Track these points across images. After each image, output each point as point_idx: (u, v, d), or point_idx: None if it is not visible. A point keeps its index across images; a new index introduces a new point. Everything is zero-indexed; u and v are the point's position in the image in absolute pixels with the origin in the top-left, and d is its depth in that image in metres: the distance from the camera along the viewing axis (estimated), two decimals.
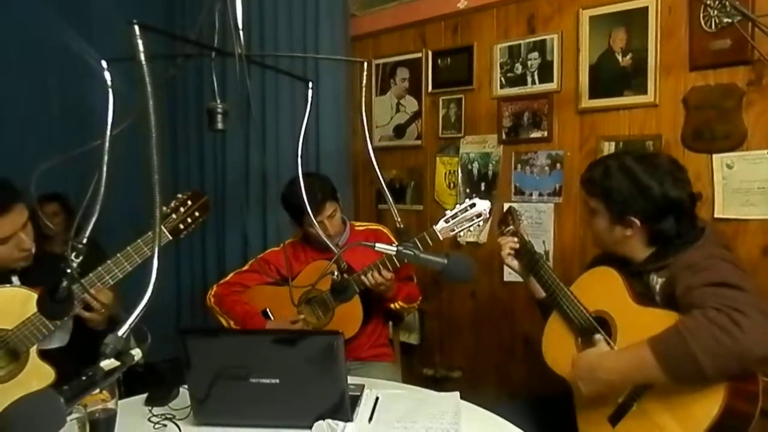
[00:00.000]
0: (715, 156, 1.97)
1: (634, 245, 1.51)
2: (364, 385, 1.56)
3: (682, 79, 2.03)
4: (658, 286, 1.43)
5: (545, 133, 2.39)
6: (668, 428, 1.29)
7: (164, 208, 1.66)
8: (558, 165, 2.37)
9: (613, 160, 1.53)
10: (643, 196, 1.43)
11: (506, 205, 2.45)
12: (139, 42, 0.91)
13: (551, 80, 2.36)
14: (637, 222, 1.46)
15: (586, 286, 1.60)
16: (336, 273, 1.53)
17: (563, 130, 2.36)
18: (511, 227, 1.81)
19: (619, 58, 2.17)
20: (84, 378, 0.79)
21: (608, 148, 2.20)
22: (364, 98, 1.45)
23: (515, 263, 1.77)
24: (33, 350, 1.54)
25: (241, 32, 1.13)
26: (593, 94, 2.24)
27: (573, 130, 2.33)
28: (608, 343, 1.43)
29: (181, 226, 1.70)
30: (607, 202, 1.49)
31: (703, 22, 1.96)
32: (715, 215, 1.96)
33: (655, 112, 2.10)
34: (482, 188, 2.60)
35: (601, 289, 1.53)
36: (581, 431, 1.50)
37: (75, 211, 2.64)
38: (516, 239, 1.77)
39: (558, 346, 1.59)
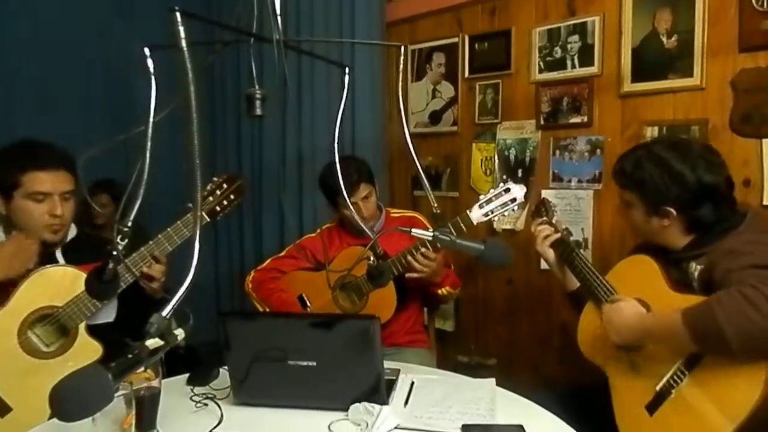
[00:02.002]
0: (765, 141, 1.89)
1: (672, 234, 1.48)
2: (399, 370, 1.57)
3: (731, 61, 1.96)
4: (696, 273, 1.41)
5: (585, 118, 2.33)
6: (708, 414, 1.27)
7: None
8: (598, 151, 2.32)
9: (642, 150, 1.49)
10: (676, 183, 1.40)
11: (543, 193, 2.43)
12: (181, 29, 0.92)
13: (592, 64, 2.30)
14: (673, 211, 1.43)
15: (622, 274, 1.57)
16: (372, 258, 1.54)
17: (604, 115, 2.30)
18: (545, 218, 1.79)
19: (664, 40, 2.10)
20: (130, 356, 0.81)
21: (651, 133, 2.14)
22: (400, 83, 1.44)
23: (550, 253, 1.75)
24: (82, 327, 1.61)
25: (279, 18, 1.14)
26: (636, 77, 2.18)
27: (614, 114, 2.27)
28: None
29: (218, 209, 1.75)
30: (641, 193, 1.46)
31: (754, 1, 1.88)
32: (764, 202, 1.89)
33: (701, 96, 2.03)
34: (519, 175, 2.56)
35: (637, 277, 1.51)
36: (618, 419, 1.48)
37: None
38: (552, 227, 1.75)
39: (593, 336, 1.57)
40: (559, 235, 1.74)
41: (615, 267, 1.61)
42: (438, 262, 1.96)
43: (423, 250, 1.91)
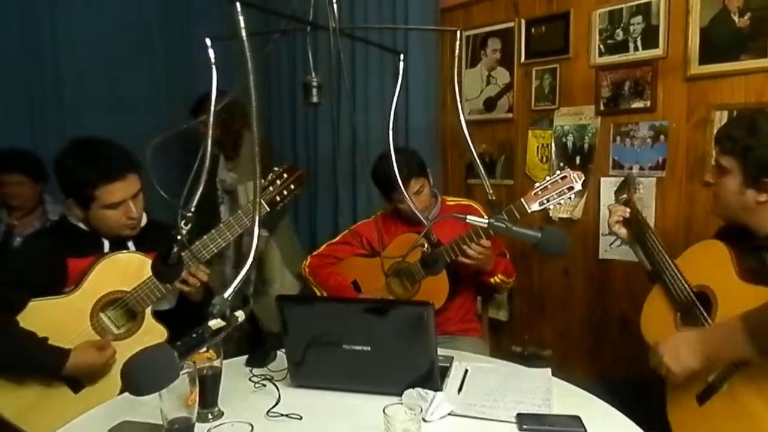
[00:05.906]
0: None
1: (764, 214, 1.39)
2: (453, 357, 1.57)
3: None
4: None
5: (648, 103, 2.24)
6: (757, 412, 1.24)
7: (262, 181, 1.74)
8: (661, 137, 2.22)
9: (762, 116, 1.40)
10: None
11: (601, 180, 2.36)
12: (241, 19, 0.94)
13: (656, 46, 2.20)
14: None
15: (692, 259, 1.52)
16: (426, 245, 1.54)
17: (668, 100, 2.20)
18: (625, 195, 1.72)
19: (736, 18, 1.99)
20: (194, 336, 0.85)
21: (720, 117, 2.04)
22: (456, 69, 1.43)
23: (623, 231, 1.69)
24: (148, 311, 1.69)
25: (335, 5, 1.14)
26: (704, 59, 2.07)
27: (680, 99, 2.17)
28: (705, 320, 1.38)
29: (278, 198, 1.77)
30: (745, 160, 1.37)
31: None
32: None
33: None
34: (577, 162, 2.49)
35: (707, 263, 1.46)
36: (668, 407, 1.46)
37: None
38: (627, 209, 1.69)
39: (657, 322, 1.53)
40: (629, 212, 1.67)
41: (686, 251, 1.56)
42: (490, 250, 1.94)
43: (479, 240, 1.90)
